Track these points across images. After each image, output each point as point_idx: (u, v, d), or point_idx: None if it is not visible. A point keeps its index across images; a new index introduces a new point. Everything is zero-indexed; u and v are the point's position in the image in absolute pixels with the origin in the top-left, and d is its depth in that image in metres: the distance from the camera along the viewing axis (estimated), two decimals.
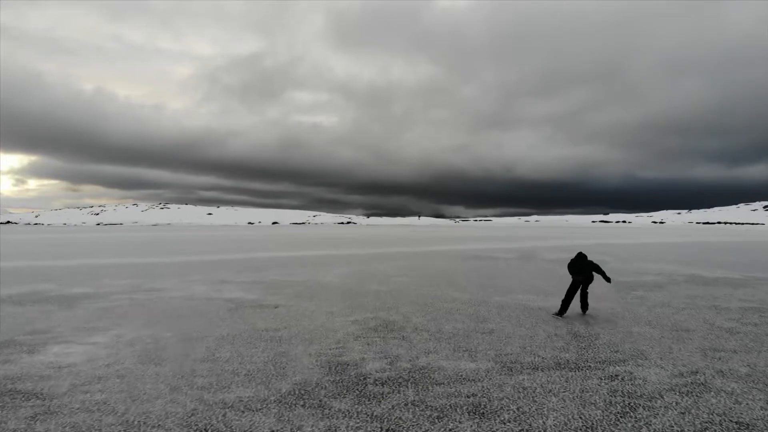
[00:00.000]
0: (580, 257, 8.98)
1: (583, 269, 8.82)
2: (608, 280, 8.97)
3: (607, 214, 72.46)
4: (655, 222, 47.23)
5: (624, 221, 51.36)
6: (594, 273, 8.98)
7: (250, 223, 33.74)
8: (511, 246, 27.59)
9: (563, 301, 8.78)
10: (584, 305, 8.99)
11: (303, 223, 33.69)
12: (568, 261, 9.33)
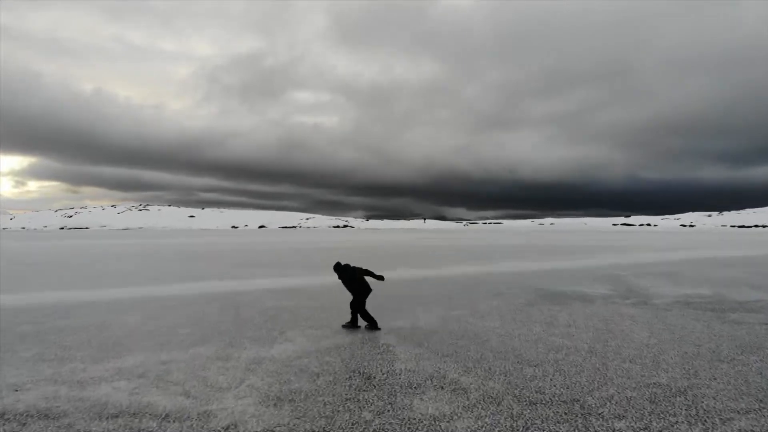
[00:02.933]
0: (346, 269, 8.07)
1: (356, 280, 8.01)
2: (381, 278, 8.49)
3: (629, 216, 69.77)
4: (684, 225, 44.56)
5: (649, 224, 48.55)
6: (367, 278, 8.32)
7: (234, 227, 31.69)
8: (611, 265, 17.76)
9: (362, 315, 7.98)
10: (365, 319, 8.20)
11: (293, 227, 31.34)
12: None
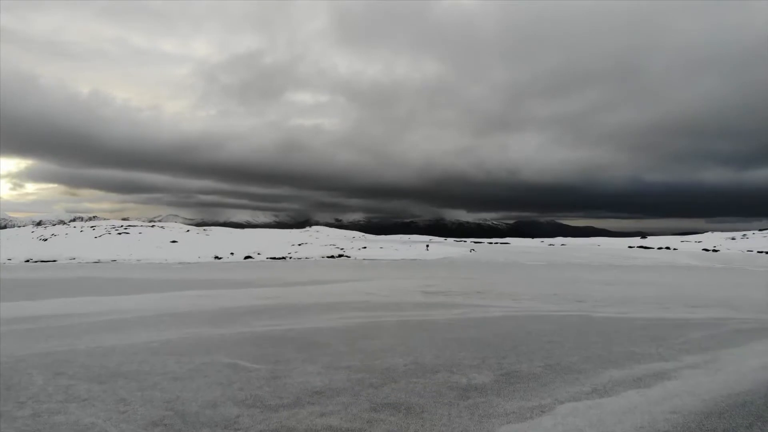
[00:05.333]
0: None
1: None
2: None
3: (645, 237, 67.79)
4: (706, 250, 42.69)
5: (668, 247, 46.92)
6: None
7: (217, 257, 30.75)
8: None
9: None
10: None
11: (282, 258, 30.74)
12: None
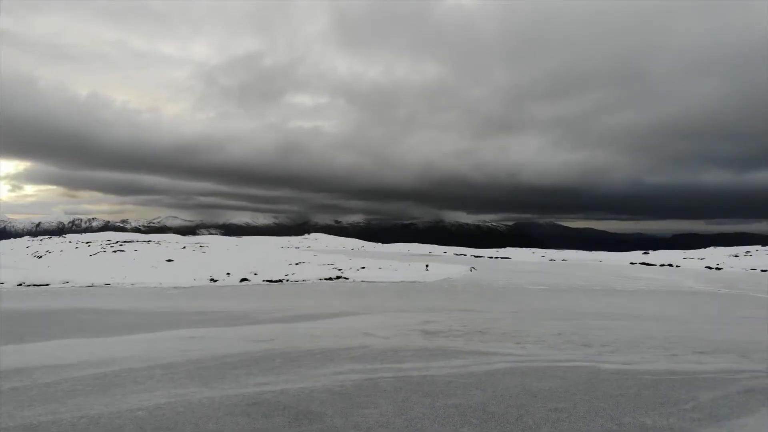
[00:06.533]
0: None
1: None
2: None
3: (648, 254, 67.46)
4: (709, 267, 42.60)
5: (671, 264, 46.74)
6: None
7: (212, 280, 30.43)
8: None
9: None
10: None
11: (279, 281, 30.31)
12: None
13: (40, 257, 46.89)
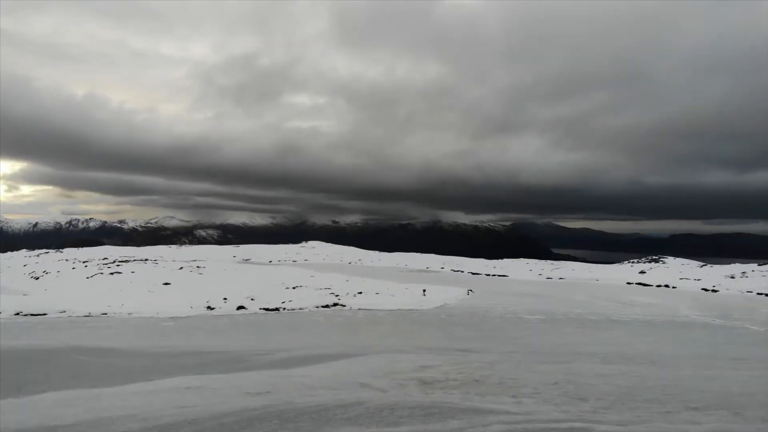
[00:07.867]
0: None
1: None
2: None
3: (644, 273, 67.87)
4: (705, 290, 42.70)
5: (667, 285, 47.04)
6: None
7: (209, 308, 30.21)
8: None
9: None
10: None
11: (276, 309, 30.10)
12: None
13: (38, 278, 46.98)
